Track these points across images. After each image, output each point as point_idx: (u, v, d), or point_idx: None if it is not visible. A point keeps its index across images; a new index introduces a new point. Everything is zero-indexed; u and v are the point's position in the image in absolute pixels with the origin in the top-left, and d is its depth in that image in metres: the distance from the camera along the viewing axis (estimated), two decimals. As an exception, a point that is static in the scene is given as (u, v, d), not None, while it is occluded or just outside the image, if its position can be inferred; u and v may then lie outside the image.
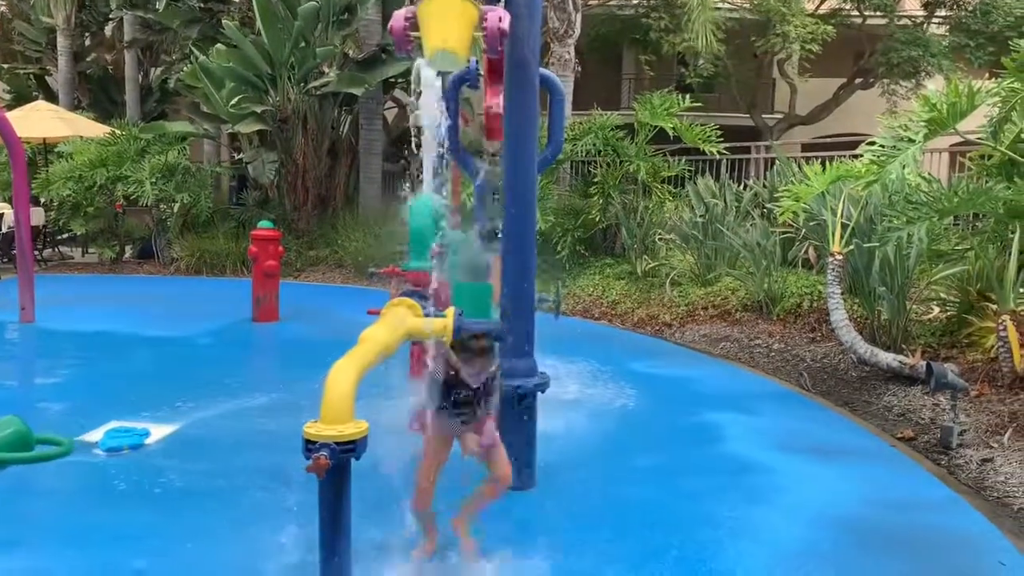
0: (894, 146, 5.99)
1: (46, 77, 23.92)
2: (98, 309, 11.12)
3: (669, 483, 5.17)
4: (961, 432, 5.97)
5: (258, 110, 13.52)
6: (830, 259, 7.52)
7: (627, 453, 5.72)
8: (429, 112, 6.26)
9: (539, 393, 4.97)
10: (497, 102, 6.75)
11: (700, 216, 10.69)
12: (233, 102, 13.07)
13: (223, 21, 14.09)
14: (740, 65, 23.20)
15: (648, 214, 11.64)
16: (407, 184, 6.81)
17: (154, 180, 14.05)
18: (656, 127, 11.82)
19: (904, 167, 5.90)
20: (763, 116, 24.75)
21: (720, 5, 20.69)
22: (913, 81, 20.01)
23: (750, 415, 6.66)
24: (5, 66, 24.07)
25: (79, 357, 8.54)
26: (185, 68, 15.02)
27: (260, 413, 6.41)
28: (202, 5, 15.84)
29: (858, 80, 22.67)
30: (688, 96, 11.75)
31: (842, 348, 7.83)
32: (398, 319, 4.94)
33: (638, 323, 10.60)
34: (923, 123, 5.88)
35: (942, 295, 7.79)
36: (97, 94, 22.75)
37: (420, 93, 6.28)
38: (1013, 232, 6.55)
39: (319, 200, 15.54)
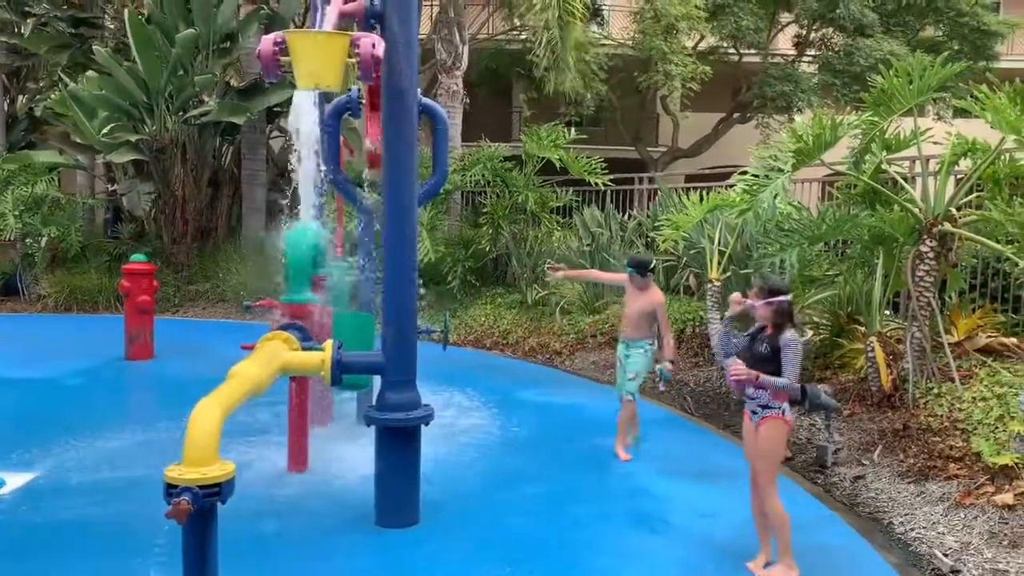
0: (765, 175, 6.21)
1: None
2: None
3: (556, 512, 5.12)
4: (835, 451, 6.18)
5: (132, 139, 12.94)
6: (709, 285, 7.70)
7: (515, 483, 5.64)
8: (305, 140, 6.16)
9: (423, 426, 4.85)
10: (378, 134, 6.67)
11: (587, 245, 10.83)
12: (105, 131, 12.47)
13: (95, 47, 13.46)
14: (625, 100, 23.87)
15: (537, 244, 11.72)
16: (285, 214, 6.59)
17: (18, 213, 13.22)
18: (544, 159, 11.97)
19: (774, 195, 6.12)
20: (648, 149, 25.48)
21: (605, 42, 21.29)
22: (786, 116, 21.03)
23: (639, 443, 6.70)
24: None
25: (-73, 402, 7.86)
26: (53, 95, 14.26)
27: (125, 457, 6.03)
28: (72, 31, 15.12)
29: (736, 115, 23.66)
30: (574, 129, 11.97)
31: (722, 372, 8.02)
32: (271, 354, 4.75)
33: (529, 352, 10.61)
34: (791, 153, 6.13)
35: (815, 319, 8.11)
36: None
37: (297, 125, 6.22)
38: (878, 258, 6.88)
39: (199, 232, 14.98)
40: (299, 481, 5.58)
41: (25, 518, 4.92)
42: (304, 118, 6.01)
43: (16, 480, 5.54)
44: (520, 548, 4.57)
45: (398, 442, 4.74)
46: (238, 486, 5.51)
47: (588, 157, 11.97)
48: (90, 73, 14.08)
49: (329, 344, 4.73)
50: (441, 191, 12.15)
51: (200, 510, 3.26)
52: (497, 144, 12.41)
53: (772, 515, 4.14)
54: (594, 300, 10.66)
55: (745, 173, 6.35)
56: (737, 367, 4.10)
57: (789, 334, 4.06)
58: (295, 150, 6.14)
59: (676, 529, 4.88)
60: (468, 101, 15.17)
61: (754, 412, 4.18)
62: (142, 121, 13.60)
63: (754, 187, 6.22)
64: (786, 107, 20.77)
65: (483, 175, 11.99)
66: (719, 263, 7.99)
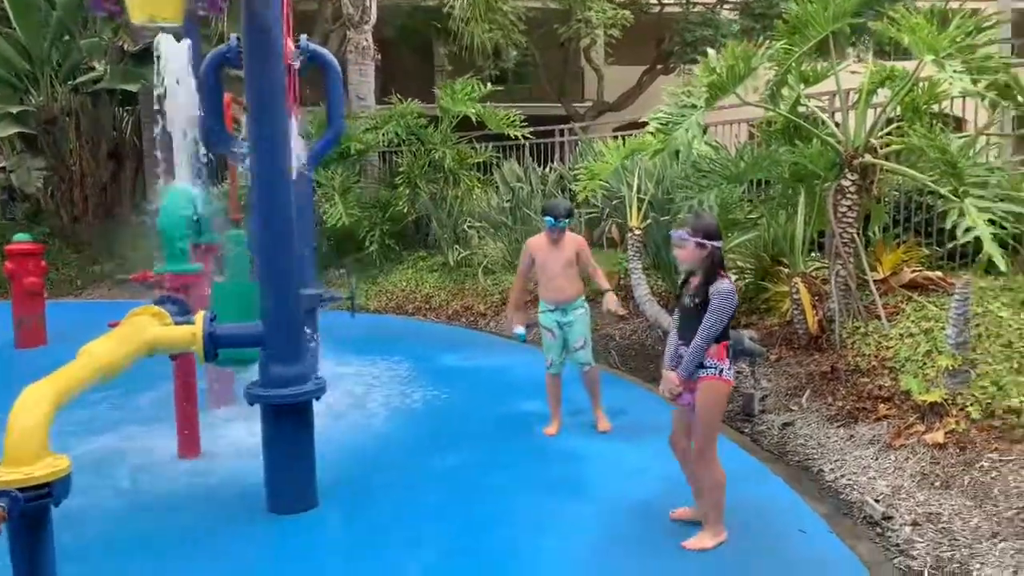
0: (679, 113, 5.85)
1: None
2: None
3: (471, 483, 4.75)
4: (763, 398, 5.93)
5: (14, 111, 11.98)
6: (629, 235, 7.38)
7: (429, 455, 5.24)
8: (172, 92, 5.56)
9: (315, 400, 4.40)
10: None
11: (507, 201, 10.40)
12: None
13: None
14: (548, 54, 23.34)
15: (457, 203, 11.24)
16: (159, 178, 5.99)
17: None
18: (461, 115, 11.45)
19: (689, 133, 5.76)
20: (574, 104, 25.05)
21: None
22: (708, 62, 20.78)
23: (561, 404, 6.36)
24: None
25: None
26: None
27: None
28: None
29: (659, 66, 23.36)
30: (492, 84, 11.49)
31: (648, 324, 7.74)
32: (134, 330, 4.23)
33: (453, 315, 10.20)
34: (704, 88, 5.78)
35: (739, 263, 7.85)
36: None
37: (164, 74, 5.60)
38: (800, 196, 6.61)
39: (102, 209, 14.07)
40: (189, 468, 5.09)
41: None
42: (170, 65, 5.40)
43: None
44: (427, 525, 4.18)
45: (286, 421, 4.29)
46: (121, 478, 5.07)
47: (508, 110, 11.50)
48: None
49: (200, 316, 4.24)
50: (354, 152, 11.65)
51: (26, 515, 2.76)
52: (411, 100, 11.80)
53: (708, 480, 3.79)
54: (517, 258, 10.25)
55: (658, 111, 5.96)
56: (670, 383, 3.75)
57: (724, 284, 3.59)
58: (161, 105, 5.54)
59: (600, 491, 4.55)
60: (379, 57, 14.47)
61: (689, 375, 3.74)
62: (27, 91, 12.60)
63: (667, 125, 5.85)
64: (707, 54, 20.54)
65: (397, 133, 11.41)
66: (640, 211, 7.67)
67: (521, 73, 25.90)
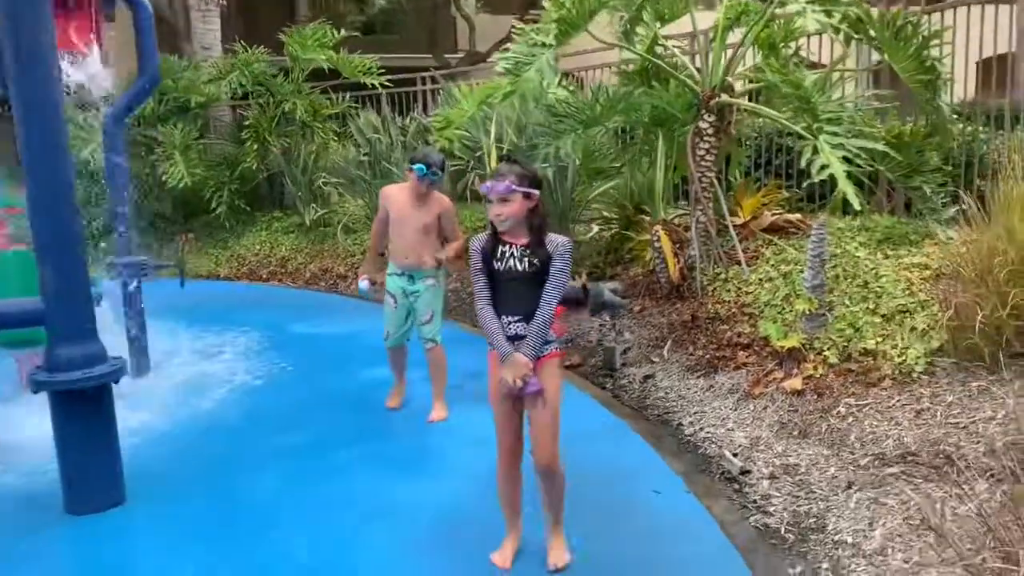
0: (529, 52, 5.43)
1: None
2: None
3: (306, 465, 4.28)
4: (625, 351, 5.70)
5: None
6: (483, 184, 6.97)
7: (264, 435, 4.73)
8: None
9: (113, 384, 3.81)
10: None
11: (364, 155, 9.80)
12: None
13: None
14: (418, 3, 22.53)
15: (312, 158, 10.54)
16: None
17: None
18: (312, 64, 10.69)
19: (540, 75, 5.36)
20: (445, 56, 24.33)
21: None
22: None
23: (413, 365, 5.94)
24: None
25: None
26: None
27: None
28: None
29: (531, 12, 22.95)
30: (360, 33, 10.76)
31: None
32: None
33: (311, 279, 9.60)
34: (554, 23, 5.38)
35: (604, 213, 7.60)
36: None
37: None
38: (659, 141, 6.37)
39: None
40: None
41: None
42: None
43: None
44: (248, 518, 3.70)
45: (79, 408, 3.69)
46: None
47: (364, 59, 10.80)
48: None
49: (-42, 294, 3.57)
50: (195, 105, 10.72)
51: None
52: (257, 48, 10.93)
53: (560, 479, 3.12)
54: (375, 210, 9.69)
55: (507, 51, 5.52)
56: (521, 368, 2.94)
57: (559, 236, 2.99)
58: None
59: (439, 467, 4.19)
60: (225, 3, 13.41)
61: (537, 355, 3.00)
62: None
63: (517, 66, 5.42)
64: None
65: (241, 83, 10.56)
66: (498, 158, 7.28)
67: (389, 23, 24.96)
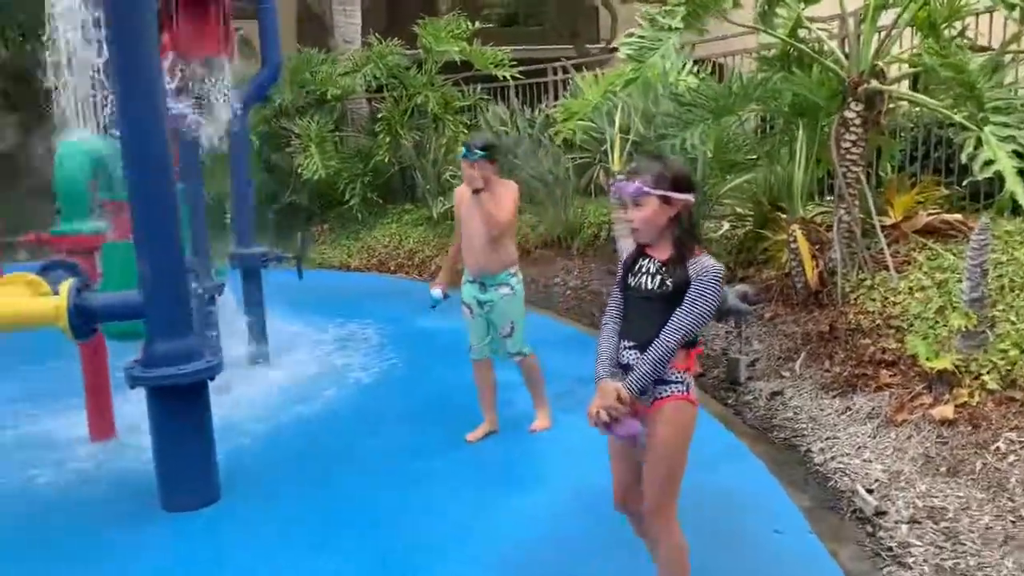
0: (654, 36, 5.05)
1: None
2: None
3: (400, 469, 4.12)
4: (751, 363, 5.23)
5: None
6: (611, 180, 6.63)
7: (363, 437, 4.62)
8: (66, 21, 4.88)
9: (209, 381, 3.78)
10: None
11: (490, 147, 9.61)
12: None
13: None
14: (559, -6, 22.28)
15: (442, 151, 10.49)
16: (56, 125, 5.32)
17: None
18: (445, 56, 10.65)
19: (666, 60, 4.97)
20: (587, 47, 23.95)
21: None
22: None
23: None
24: None
25: None
26: None
27: None
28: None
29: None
30: (502, 25, 10.66)
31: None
32: (-13, 304, 3.62)
33: (436, 272, 9.49)
34: (682, 6, 4.97)
35: (737, 209, 7.09)
36: None
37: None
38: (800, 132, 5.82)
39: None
40: (95, 454, 4.51)
41: None
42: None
43: None
44: (342, 521, 3.58)
45: (174, 405, 3.67)
46: (18, 465, 4.51)
47: (496, 51, 10.64)
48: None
49: (66, 286, 3.61)
50: (331, 98, 10.90)
51: None
52: (392, 40, 10.99)
53: (666, 548, 2.61)
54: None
55: (631, 35, 5.16)
56: (611, 401, 2.45)
57: (709, 260, 2.49)
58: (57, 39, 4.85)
59: (542, 480, 3.92)
60: (367, -1, 13.62)
61: (642, 392, 2.52)
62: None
63: (641, 52, 5.06)
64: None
65: (376, 76, 10.64)
66: (623, 151, 6.92)
67: (532, 14, 24.84)
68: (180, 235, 3.71)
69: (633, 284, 2.57)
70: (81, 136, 4.83)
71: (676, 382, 2.52)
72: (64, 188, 4.61)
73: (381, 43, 10.93)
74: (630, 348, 2.54)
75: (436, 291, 4.52)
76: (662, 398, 2.52)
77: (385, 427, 4.77)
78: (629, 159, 6.89)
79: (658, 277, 2.51)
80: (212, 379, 3.77)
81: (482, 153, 4.08)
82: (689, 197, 2.51)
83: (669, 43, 4.99)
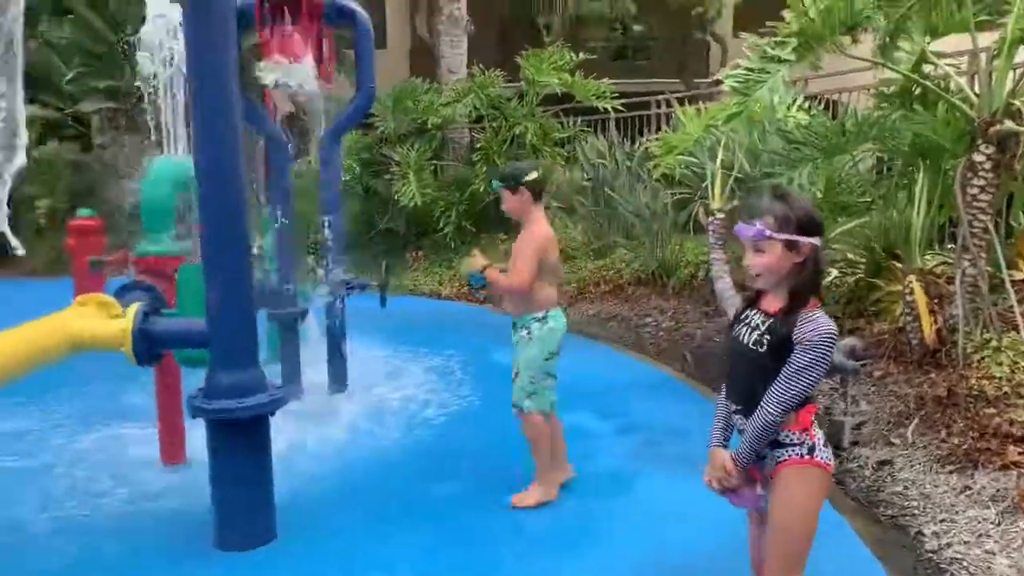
0: (761, 69, 4.72)
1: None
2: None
3: (469, 522, 3.87)
4: (857, 426, 4.77)
5: (101, 86, 11.90)
6: (710, 219, 6.25)
7: (429, 480, 4.40)
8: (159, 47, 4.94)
9: (270, 415, 3.63)
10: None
11: (586, 180, 9.39)
12: (68, 77, 11.47)
13: (60, -13, 12.43)
14: (667, 27, 21.99)
15: (538, 181, 10.31)
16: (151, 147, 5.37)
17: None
18: (546, 87, 10.53)
19: (773, 94, 4.63)
20: (696, 80, 23.54)
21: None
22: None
23: (611, 415, 5.42)
24: None
25: None
26: (31, 46, 13.32)
27: None
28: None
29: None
30: (612, 59, 10.54)
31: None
32: (56, 324, 3.59)
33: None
34: (793, 36, 4.63)
35: (848, 255, 6.59)
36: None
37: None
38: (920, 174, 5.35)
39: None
40: (160, 479, 4.46)
41: None
42: (157, 19, 4.77)
43: None
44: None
45: (233, 438, 3.54)
46: (81, 487, 4.45)
47: (599, 83, 10.44)
48: (70, 17, 13.06)
49: (132, 309, 3.55)
50: (431, 127, 10.91)
51: None
52: (493, 71, 10.95)
53: None
54: (597, 240, 9.25)
55: (737, 67, 4.85)
56: (720, 471, 2.37)
57: (821, 319, 2.21)
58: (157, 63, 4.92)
59: (617, 547, 3.59)
60: (473, 29, 13.67)
61: (761, 457, 2.35)
62: (118, 65, 12.52)
63: (747, 84, 4.74)
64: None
65: (476, 106, 10.60)
66: (724, 188, 6.53)
67: (641, 48, 24.68)
68: (250, 262, 3.61)
69: (736, 335, 2.39)
70: (173, 157, 4.86)
71: (793, 444, 2.31)
72: (148, 208, 4.61)
73: (483, 74, 10.90)
74: (736, 412, 2.40)
75: (476, 263, 3.94)
76: (780, 462, 2.32)
77: (455, 472, 4.53)
78: (731, 196, 6.50)
79: (756, 332, 2.29)
80: (273, 412, 3.62)
81: (500, 183, 3.86)
82: (816, 241, 2.26)
83: (778, 76, 4.65)
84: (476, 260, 3.91)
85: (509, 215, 3.91)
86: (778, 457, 2.31)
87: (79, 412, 5.55)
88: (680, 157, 6.68)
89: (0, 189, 4.01)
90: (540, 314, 3.88)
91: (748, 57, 4.93)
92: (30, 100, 14.80)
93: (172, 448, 4.67)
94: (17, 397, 5.81)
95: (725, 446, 2.45)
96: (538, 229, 3.83)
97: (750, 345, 2.30)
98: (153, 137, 5.11)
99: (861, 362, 4.89)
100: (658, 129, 11.06)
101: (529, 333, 3.90)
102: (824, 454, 2.32)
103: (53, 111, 14.09)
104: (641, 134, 10.68)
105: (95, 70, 12.01)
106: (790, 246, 2.24)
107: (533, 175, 3.82)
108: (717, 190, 6.53)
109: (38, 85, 16.65)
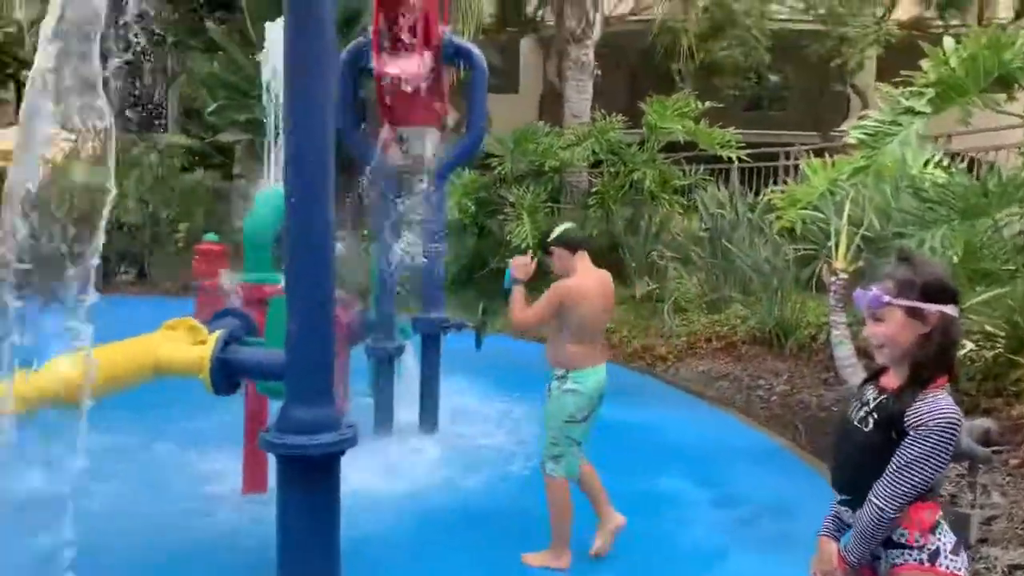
0: (892, 120, 4.35)
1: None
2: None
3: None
4: (988, 520, 4.24)
5: (241, 118, 12.49)
6: (833, 278, 5.83)
7: (511, 535, 4.19)
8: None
9: (341, 454, 3.53)
10: (403, 69, 5.38)
11: (704, 230, 9.04)
12: (211, 109, 12.11)
13: (207, 24, 13.19)
14: (804, 78, 21.33)
15: (654, 228, 10.04)
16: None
17: (139, 196, 13.15)
18: (668, 133, 10.30)
19: (905, 148, 4.25)
20: (832, 132, 22.67)
21: (779, 15, 18.90)
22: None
23: (712, 483, 5.08)
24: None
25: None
26: (184, 79, 14.26)
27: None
28: (208, 14, 15.01)
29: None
30: (745, 110, 10.29)
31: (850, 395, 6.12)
32: (141, 347, 3.62)
33: (631, 355, 9.00)
34: (930, 86, 4.24)
35: (987, 327, 5.98)
36: (148, 116, 21.83)
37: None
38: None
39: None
40: (237, 508, 4.44)
41: None
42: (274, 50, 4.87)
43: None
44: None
45: (301, 476, 3.44)
46: (160, 510, 4.45)
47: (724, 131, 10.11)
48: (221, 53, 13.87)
49: (214, 336, 3.54)
50: (548, 169, 10.86)
51: None
52: (614, 115, 10.81)
53: None
54: (711, 292, 8.85)
55: (864, 118, 4.50)
56: (826, 564, 2.10)
57: (942, 402, 1.93)
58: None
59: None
60: (599, 74, 13.62)
61: (876, 556, 2.06)
62: (258, 99, 13.11)
63: (876, 137, 4.38)
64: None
65: (594, 150, 10.47)
66: (856, 248, 6.09)
67: (777, 98, 24.09)
68: (333, 296, 3.55)
69: (848, 419, 2.09)
70: (280, 187, 4.93)
71: (911, 547, 1.99)
72: (250, 237, 4.68)
73: (605, 119, 10.79)
74: (842, 502, 2.11)
75: (519, 261, 3.85)
76: (897, 566, 2.01)
77: (534, 533, 4.29)
78: (856, 256, 6.05)
79: (865, 409, 2.03)
80: (342, 453, 3.51)
81: (551, 248, 3.86)
82: (946, 309, 1.98)
83: (911, 129, 4.29)
84: (522, 263, 3.80)
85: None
86: (894, 560, 2.00)
87: (178, 432, 5.64)
88: (804, 211, 6.30)
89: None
90: (560, 372, 3.72)
91: (880, 108, 4.58)
92: (183, 130, 15.86)
93: (254, 478, 4.65)
94: (125, 411, 6.01)
95: (837, 537, 2.15)
96: (571, 281, 3.76)
97: (855, 423, 2.05)
98: (268, 169, 5.23)
99: (994, 448, 4.38)
100: (784, 182, 10.62)
101: (549, 390, 3.77)
102: (952, 563, 1.99)
103: (197, 140, 14.98)
104: (766, 186, 10.26)
105: (236, 103, 12.62)
106: (913, 314, 1.97)
107: (558, 230, 3.83)
108: (842, 248, 6.08)
109: (187, 115, 17.87)
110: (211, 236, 9.83)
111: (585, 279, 3.80)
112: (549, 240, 3.81)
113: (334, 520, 3.54)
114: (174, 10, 15.08)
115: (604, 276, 4.00)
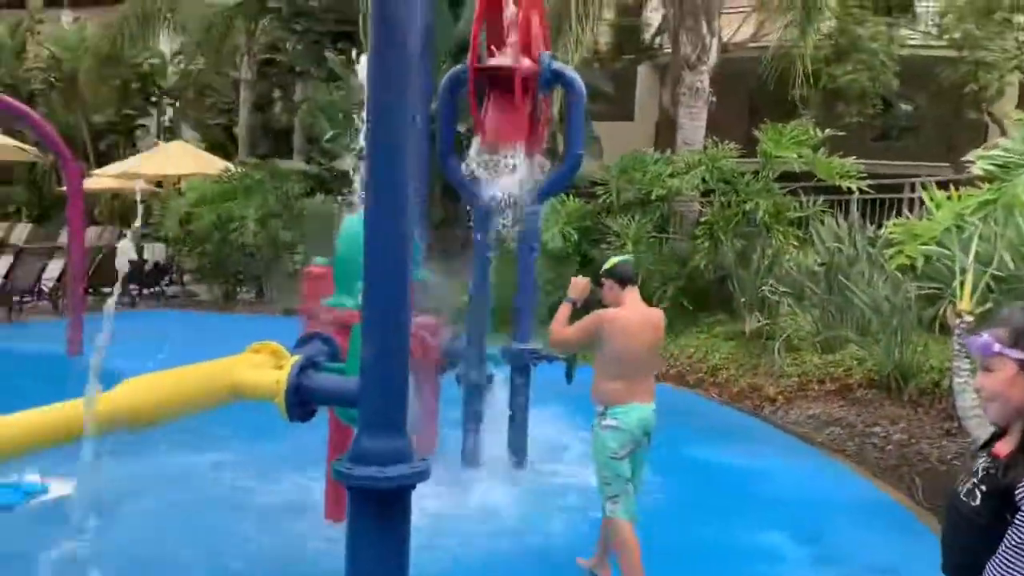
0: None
1: (233, 128, 24.45)
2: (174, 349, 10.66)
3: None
4: None
5: (356, 146, 12.82)
6: (957, 320, 5.38)
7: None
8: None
9: (412, 487, 3.43)
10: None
11: (819, 265, 8.57)
12: (328, 136, 12.50)
13: (326, 54, 13.65)
14: (938, 106, 20.20)
15: (765, 261, 9.60)
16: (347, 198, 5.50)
17: (259, 219, 13.66)
18: (784, 162, 9.87)
19: (1040, 180, 3.85)
20: (965, 163, 21.37)
21: (910, 40, 18.00)
22: None
23: (815, 539, 4.73)
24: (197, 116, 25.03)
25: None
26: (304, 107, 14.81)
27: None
28: (331, 44, 15.57)
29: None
30: (874, 139, 9.80)
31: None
32: (220, 370, 3.64)
33: (737, 395, 8.60)
34: (1071, 113, 3.84)
35: None
36: (279, 144, 22.64)
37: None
38: None
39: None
40: (316, 535, 4.41)
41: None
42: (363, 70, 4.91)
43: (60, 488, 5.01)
44: None
45: (371, 508, 3.36)
46: (243, 533, 4.48)
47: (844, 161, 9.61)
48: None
49: (291, 361, 3.52)
50: (655, 198, 10.60)
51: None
52: (727, 143, 10.47)
53: None
54: (826, 331, 8.35)
55: (992, 147, 4.11)
56: None
57: None
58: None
59: None
60: (715, 101, 13.27)
61: None
62: (373, 128, 13.46)
63: (1004, 168, 3.99)
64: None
65: (704, 179, 10.14)
66: (976, 286, 5.61)
67: (907, 128, 22.96)
68: (411, 324, 3.47)
69: (958, 492, 1.83)
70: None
71: None
72: (340, 262, 4.70)
73: (716, 146, 10.46)
74: None
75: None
76: None
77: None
78: (984, 297, 5.56)
79: (972, 480, 1.77)
80: (413, 487, 3.41)
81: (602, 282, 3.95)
82: None
83: (1047, 159, 3.87)
84: (580, 283, 4.08)
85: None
86: None
87: (265, 454, 5.71)
88: (925, 247, 5.84)
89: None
90: (600, 408, 3.77)
91: (1012, 137, 4.17)
92: (307, 159, 16.44)
93: (336, 505, 4.62)
94: (222, 430, 6.15)
95: None
96: (612, 312, 3.84)
97: (963, 496, 1.79)
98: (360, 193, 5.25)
99: None
100: (908, 214, 9.99)
101: (599, 427, 3.79)
102: None
103: (316, 166, 15.48)
104: (889, 219, 9.66)
105: (352, 131, 12.97)
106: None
107: (611, 262, 3.95)
108: (967, 288, 5.65)
109: (310, 143, 18.54)
110: (320, 260, 10.05)
111: (628, 313, 3.84)
112: (601, 272, 3.92)
113: (403, 552, 3.43)
114: (298, 41, 15.74)
115: (652, 314, 4.05)
